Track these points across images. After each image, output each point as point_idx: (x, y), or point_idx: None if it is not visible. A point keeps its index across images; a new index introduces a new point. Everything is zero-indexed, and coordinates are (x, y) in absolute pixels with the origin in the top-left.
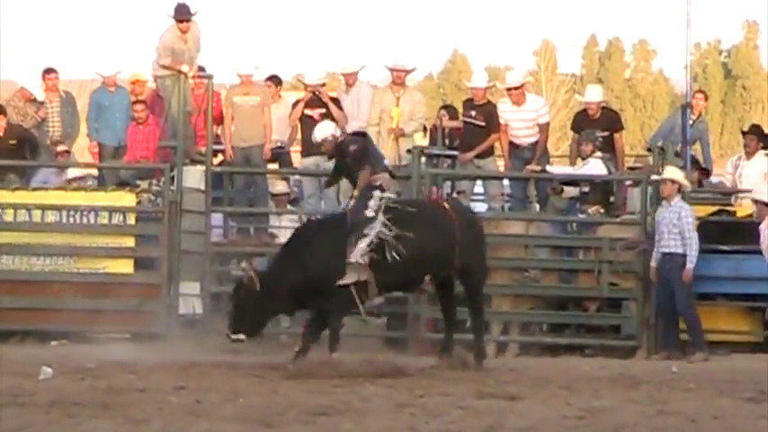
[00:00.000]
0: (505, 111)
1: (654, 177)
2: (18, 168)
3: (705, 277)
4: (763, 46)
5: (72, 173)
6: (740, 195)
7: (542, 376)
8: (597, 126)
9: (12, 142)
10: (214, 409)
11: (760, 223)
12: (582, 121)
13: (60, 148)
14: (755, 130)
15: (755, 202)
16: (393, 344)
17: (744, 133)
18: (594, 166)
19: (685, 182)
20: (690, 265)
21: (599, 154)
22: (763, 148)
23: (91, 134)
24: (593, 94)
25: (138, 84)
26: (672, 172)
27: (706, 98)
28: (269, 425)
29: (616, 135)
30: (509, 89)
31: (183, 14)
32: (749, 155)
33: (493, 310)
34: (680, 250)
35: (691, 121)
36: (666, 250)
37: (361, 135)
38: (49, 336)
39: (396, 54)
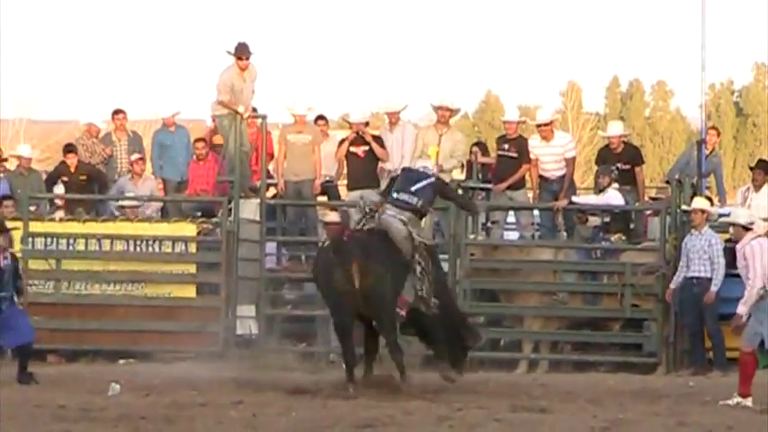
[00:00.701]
0: (535, 146)
1: (684, 208)
2: (86, 202)
3: (725, 299)
4: None
5: (128, 201)
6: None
7: (570, 391)
8: (619, 160)
9: (82, 178)
10: (269, 422)
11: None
12: (606, 156)
13: (134, 156)
14: (762, 165)
15: (733, 224)
16: (431, 361)
17: (752, 168)
18: (612, 197)
19: (713, 211)
20: (714, 288)
21: (615, 186)
22: None
23: (156, 172)
24: (615, 129)
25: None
26: (701, 203)
27: (718, 134)
28: None
29: (637, 169)
30: (539, 125)
31: (243, 52)
32: (757, 188)
33: (525, 330)
34: (709, 275)
35: (705, 156)
36: (696, 275)
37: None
38: (118, 355)
39: (436, 94)
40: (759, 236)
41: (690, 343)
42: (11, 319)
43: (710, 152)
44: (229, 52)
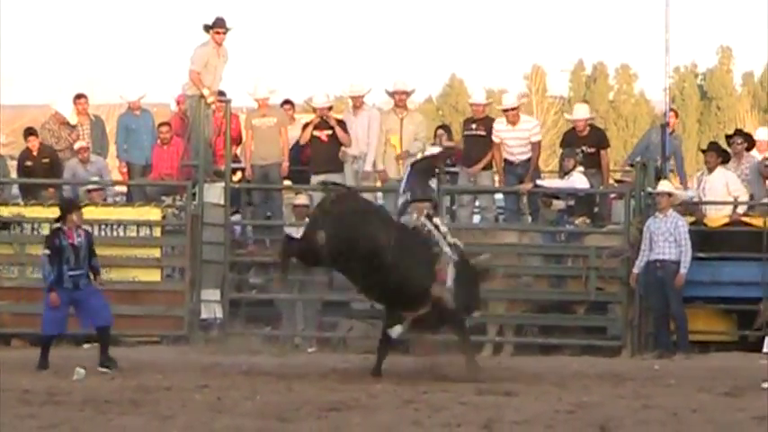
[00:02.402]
0: (501, 130)
1: (650, 191)
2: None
3: (688, 282)
4: (736, 69)
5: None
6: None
7: (535, 374)
8: (585, 143)
9: (45, 161)
10: (234, 405)
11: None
12: (571, 139)
13: (78, 144)
14: (714, 147)
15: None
16: (397, 345)
17: (703, 151)
18: (576, 181)
19: (678, 194)
20: (683, 270)
21: (580, 169)
22: (722, 162)
23: (120, 155)
24: (581, 112)
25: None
26: (667, 185)
27: (676, 115)
28: (284, 420)
29: (602, 152)
30: (506, 110)
31: (221, 25)
32: (710, 170)
33: (489, 313)
34: (674, 257)
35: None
36: (660, 257)
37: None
38: (83, 339)
39: (394, 79)
40: None
41: (654, 326)
42: (89, 299)
43: (670, 133)
44: (207, 26)
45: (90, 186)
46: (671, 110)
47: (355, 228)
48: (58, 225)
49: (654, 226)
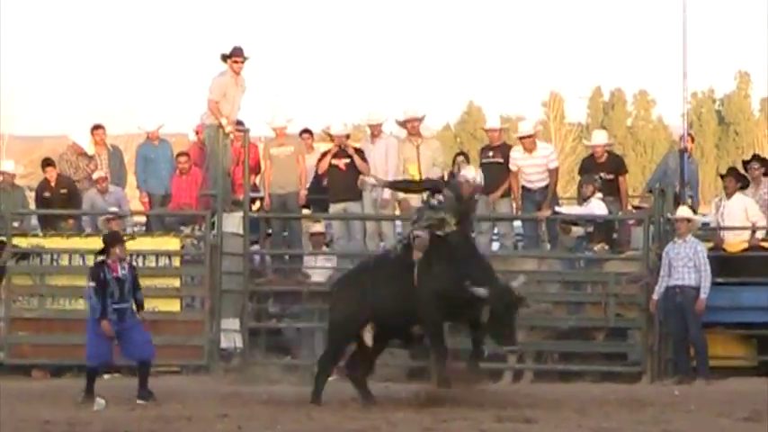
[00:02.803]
0: (518, 158)
1: (669, 216)
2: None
3: (707, 307)
4: (754, 94)
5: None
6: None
7: (555, 400)
8: (603, 170)
9: (63, 192)
10: None
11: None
12: (589, 165)
13: (96, 174)
14: (733, 172)
15: (677, 220)
16: (416, 373)
17: (722, 176)
18: (595, 207)
19: (697, 219)
20: (703, 296)
21: (599, 195)
22: (741, 188)
23: (140, 185)
24: (599, 138)
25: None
26: (686, 211)
27: (692, 140)
28: None
29: (620, 178)
30: (522, 137)
31: (238, 54)
32: (729, 195)
33: None
34: (693, 283)
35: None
36: (680, 283)
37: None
38: (103, 370)
39: (415, 106)
40: None
41: (674, 352)
42: (132, 332)
43: (688, 158)
44: (224, 55)
45: (108, 215)
46: (687, 134)
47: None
48: (101, 258)
49: (673, 252)
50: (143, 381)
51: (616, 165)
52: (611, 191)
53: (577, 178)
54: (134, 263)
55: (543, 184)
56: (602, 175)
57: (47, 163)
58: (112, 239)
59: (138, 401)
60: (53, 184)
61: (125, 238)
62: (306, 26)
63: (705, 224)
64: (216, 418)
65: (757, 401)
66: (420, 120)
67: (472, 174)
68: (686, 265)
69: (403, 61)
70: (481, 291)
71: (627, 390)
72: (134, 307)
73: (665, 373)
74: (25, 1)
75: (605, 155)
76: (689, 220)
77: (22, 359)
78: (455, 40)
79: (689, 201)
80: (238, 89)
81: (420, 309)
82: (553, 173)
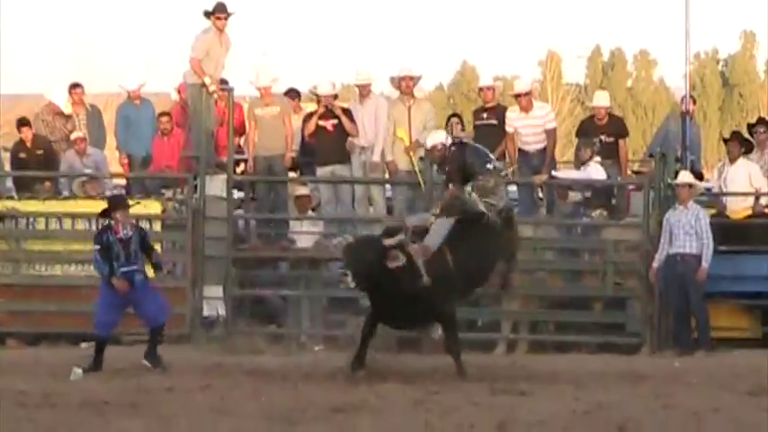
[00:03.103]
0: (514, 118)
1: (670, 182)
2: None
3: (709, 276)
4: (760, 55)
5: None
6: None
7: (551, 373)
8: (603, 132)
9: (39, 152)
10: (238, 407)
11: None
12: (588, 127)
13: (75, 135)
14: (736, 136)
15: (678, 185)
16: (405, 343)
17: (725, 140)
18: (593, 171)
19: (700, 185)
20: (705, 264)
21: (597, 159)
22: (745, 153)
23: (120, 146)
24: (601, 99)
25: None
26: (688, 176)
27: (695, 102)
28: (290, 422)
29: (621, 141)
30: (518, 95)
31: (222, 10)
32: (732, 160)
33: (503, 309)
34: (694, 251)
35: (682, 126)
36: (681, 251)
37: (460, 144)
38: (80, 338)
39: (407, 66)
40: None
41: (675, 323)
42: (144, 297)
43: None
44: (207, 12)
45: (84, 178)
46: (689, 97)
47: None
48: (104, 222)
49: (674, 218)
50: (152, 345)
51: (617, 127)
52: (611, 154)
53: (575, 141)
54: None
55: (540, 146)
56: (602, 138)
57: (22, 123)
58: (114, 204)
59: (144, 362)
60: (29, 144)
61: (132, 202)
62: None
63: (708, 190)
64: (198, 389)
65: (760, 374)
66: (415, 80)
67: (440, 138)
68: (687, 232)
69: (394, 18)
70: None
71: (625, 362)
72: (150, 271)
73: (665, 344)
74: None
75: (606, 117)
76: (690, 186)
77: None
78: None
79: (690, 165)
80: (222, 47)
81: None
82: (551, 134)
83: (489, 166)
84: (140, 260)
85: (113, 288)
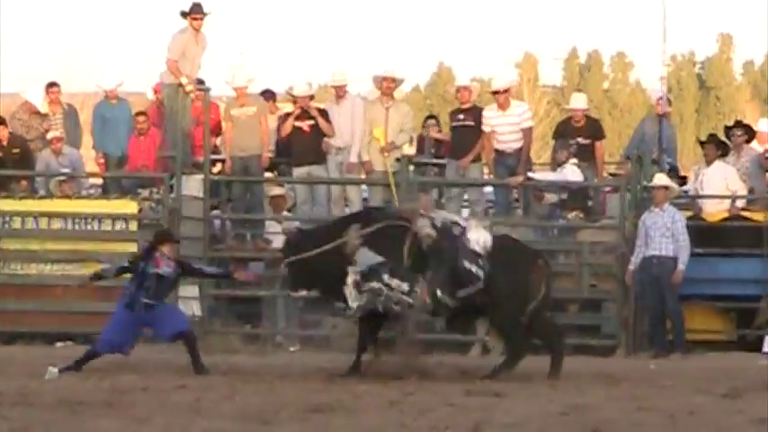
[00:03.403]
0: (491, 117)
1: (646, 184)
2: (23, 178)
3: (685, 279)
4: (737, 58)
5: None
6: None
7: (526, 375)
8: (579, 134)
9: (15, 151)
10: (214, 407)
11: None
12: (565, 129)
13: (51, 134)
14: (713, 139)
15: (654, 188)
16: (382, 344)
17: (702, 143)
18: (569, 173)
19: (675, 187)
20: (682, 266)
21: (574, 161)
22: (721, 155)
23: (96, 145)
24: (578, 102)
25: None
26: (663, 179)
27: (670, 103)
28: (266, 422)
29: (597, 143)
30: (495, 92)
31: (197, 10)
32: (708, 163)
33: None
34: (671, 253)
35: (658, 127)
36: (657, 253)
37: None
38: (56, 337)
39: (384, 67)
40: None
41: (650, 325)
42: (160, 315)
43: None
44: (183, 12)
45: (61, 177)
46: (662, 97)
47: None
48: (149, 246)
49: (650, 221)
50: (193, 355)
51: (593, 130)
52: (588, 156)
53: (551, 143)
54: (89, 226)
55: (517, 145)
56: (578, 140)
57: None
58: (161, 238)
59: (197, 374)
60: (5, 143)
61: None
62: None
63: (684, 192)
64: (173, 389)
65: (736, 377)
66: (397, 82)
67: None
68: (664, 234)
69: (371, 19)
70: None
71: (601, 364)
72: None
73: (640, 346)
74: None
75: (583, 119)
76: (666, 188)
77: None
78: None
79: (671, 167)
80: (198, 47)
81: None
82: (527, 132)
83: None
84: (164, 297)
85: (129, 309)
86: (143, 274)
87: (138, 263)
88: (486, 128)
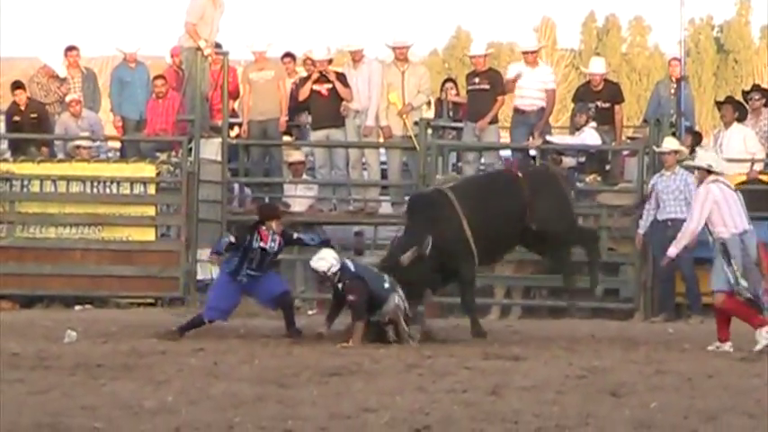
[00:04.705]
0: (517, 69)
1: (656, 149)
2: (40, 141)
3: (698, 242)
4: (755, 21)
5: (85, 141)
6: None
7: (544, 338)
8: (599, 98)
9: (33, 116)
10: (231, 370)
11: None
12: (584, 93)
13: (69, 97)
14: (730, 100)
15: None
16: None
17: (719, 104)
18: (588, 137)
19: (685, 150)
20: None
21: (593, 124)
22: (739, 119)
23: (114, 109)
24: (598, 66)
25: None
26: (672, 143)
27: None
28: (283, 385)
29: (616, 107)
30: (526, 52)
31: None
32: (726, 125)
33: (496, 274)
34: (684, 216)
35: (673, 89)
36: (671, 216)
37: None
38: (74, 301)
39: (399, 31)
40: (717, 180)
41: (661, 289)
42: (261, 281)
43: (677, 83)
44: None
45: (79, 141)
46: (675, 59)
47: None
48: (256, 221)
49: (661, 184)
50: (288, 318)
51: (613, 93)
52: (606, 120)
53: (570, 106)
54: (108, 190)
55: (539, 105)
56: (597, 103)
57: (16, 86)
58: (268, 214)
59: (289, 337)
60: (23, 108)
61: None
62: None
63: None
64: (191, 352)
65: (753, 340)
66: (407, 47)
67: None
68: (677, 198)
69: None
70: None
71: (619, 327)
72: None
73: (658, 310)
74: None
75: (602, 83)
76: (676, 152)
77: None
78: None
79: (688, 128)
80: (217, 10)
81: None
82: (550, 94)
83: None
84: (268, 268)
85: (232, 278)
86: (248, 249)
87: (246, 238)
88: (510, 75)
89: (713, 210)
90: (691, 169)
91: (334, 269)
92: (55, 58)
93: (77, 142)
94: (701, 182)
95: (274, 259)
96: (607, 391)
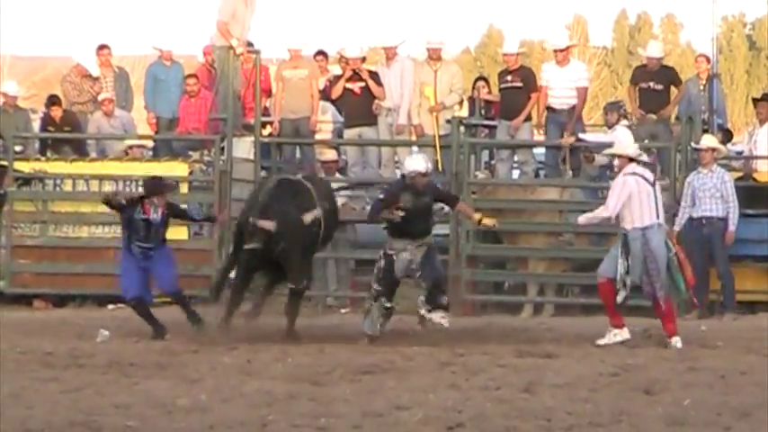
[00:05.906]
0: (548, 70)
1: (694, 146)
2: (73, 142)
3: (736, 239)
4: None
5: (130, 141)
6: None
7: (577, 335)
8: (653, 79)
9: (66, 129)
10: (264, 368)
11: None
12: (640, 75)
13: (102, 96)
14: (766, 97)
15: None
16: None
17: (755, 101)
18: (621, 135)
19: (723, 148)
20: (732, 227)
21: (624, 122)
22: None
23: (148, 106)
24: (654, 50)
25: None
26: (710, 140)
27: (708, 61)
28: (316, 383)
29: (673, 89)
30: (556, 51)
31: None
32: (762, 122)
33: (529, 272)
34: (720, 214)
35: (702, 86)
36: (707, 214)
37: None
38: (107, 300)
39: (431, 29)
40: (635, 173)
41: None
42: (156, 266)
43: (706, 81)
44: None
45: (130, 142)
46: (702, 55)
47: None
48: (139, 195)
49: (698, 182)
50: (185, 309)
51: (669, 76)
52: (658, 103)
53: (602, 104)
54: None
55: (571, 103)
56: (651, 84)
57: (52, 102)
58: (152, 191)
59: (193, 328)
60: (58, 122)
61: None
62: None
63: (739, 152)
64: (224, 350)
65: None
66: (440, 48)
67: (423, 165)
68: (713, 195)
69: None
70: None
71: (652, 324)
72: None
73: (694, 308)
74: None
75: (658, 66)
76: (713, 150)
77: (23, 288)
78: None
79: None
80: (248, 9)
81: None
82: (582, 92)
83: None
84: (159, 239)
85: (128, 252)
86: (130, 221)
87: (128, 212)
88: (543, 82)
89: (624, 203)
90: (611, 156)
91: (430, 170)
92: (88, 56)
93: (128, 142)
94: (620, 170)
95: (161, 230)
96: (640, 388)
